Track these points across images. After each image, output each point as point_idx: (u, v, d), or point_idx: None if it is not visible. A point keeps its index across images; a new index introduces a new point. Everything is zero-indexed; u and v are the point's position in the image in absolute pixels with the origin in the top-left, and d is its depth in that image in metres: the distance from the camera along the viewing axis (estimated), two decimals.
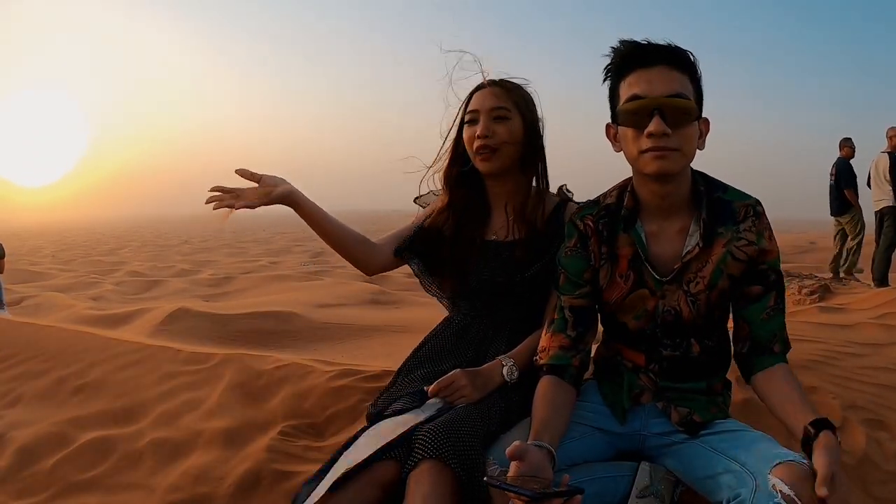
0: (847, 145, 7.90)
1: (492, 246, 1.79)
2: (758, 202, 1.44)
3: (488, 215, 1.83)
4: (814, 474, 1.13)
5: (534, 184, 1.82)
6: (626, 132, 1.37)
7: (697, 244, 1.40)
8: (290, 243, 26.00)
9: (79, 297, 9.87)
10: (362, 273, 1.91)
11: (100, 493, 1.86)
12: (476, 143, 1.72)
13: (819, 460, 1.13)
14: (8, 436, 2.21)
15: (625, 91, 1.36)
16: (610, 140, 1.45)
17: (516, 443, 1.16)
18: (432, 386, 1.50)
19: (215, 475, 1.83)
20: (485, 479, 1.15)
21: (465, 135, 1.77)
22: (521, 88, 1.79)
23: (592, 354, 1.69)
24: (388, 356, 1.81)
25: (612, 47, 1.39)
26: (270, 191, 1.64)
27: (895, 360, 2.68)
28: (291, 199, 1.66)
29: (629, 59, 1.36)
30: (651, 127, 1.30)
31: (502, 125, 1.72)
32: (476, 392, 1.50)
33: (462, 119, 1.80)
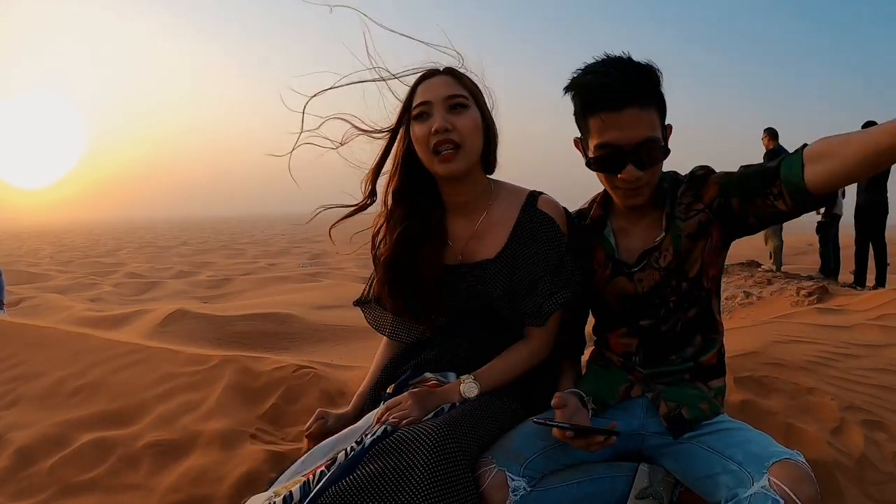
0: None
1: (458, 270, 1.58)
2: (699, 168, 1.49)
3: (444, 230, 1.59)
4: (811, 474, 1.15)
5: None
6: (599, 174, 1.45)
7: (662, 237, 1.48)
8: (288, 245, 25.99)
9: (77, 299, 9.86)
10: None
11: (98, 493, 1.85)
12: (434, 140, 1.45)
13: None
14: (7, 437, 2.20)
15: (595, 131, 1.38)
16: (579, 150, 1.50)
17: (557, 393, 1.37)
18: (380, 410, 1.41)
19: (214, 476, 1.83)
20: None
21: (415, 133, 1.50)
22: (468, 75, 1.55)
23: (586, 357, 1.72)
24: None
25: (575, 76, 1.39)
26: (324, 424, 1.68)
27: (893, 361, 2.69)
28: (346, 423, 1.67)
29: (597, 101, 1.35)
30: (625, 174, 1.37)
31: (463, 116, 1.48)
32: (420, 412, 1.36)
33: (405, 116, 1.54)
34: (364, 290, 1.76)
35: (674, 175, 1.53)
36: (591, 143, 1.40)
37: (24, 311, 8.26)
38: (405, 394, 1.42)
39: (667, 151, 1.41)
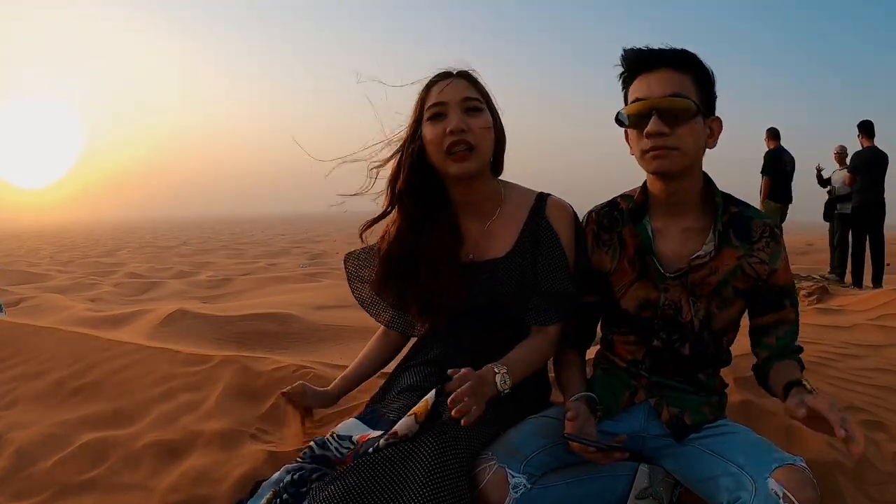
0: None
1: (469, 268, 1.60)
2: (777, 224, 1.49)
3: (458, 228, 1.62)
4: (809, 477, 1.16)
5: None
6: (631, 133, 1.43)
7: (709, 253, 1.43)
8: (288, 245, 25.98)
9: (77, 299, 9.84)
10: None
11: (98, 494, 1.85)
12: (449, 140, 1.48)
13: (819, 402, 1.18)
14: (6, 437, 2.20)
15: (630, 95, 1.42)
16: (627, 144, 1.50)
17: (569, 404, 1.42)
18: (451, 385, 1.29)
19: (214, 477, 1.82)
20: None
21: (428, 133, 1.52)
22: (480, 80, 1.59)
23: (591, 356, 1.72)
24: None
25: (621, 53, 1.43)
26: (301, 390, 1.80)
27: (893, 361, 2.69)
28: (324, 400, 1.80)
29: (635, 66, 1.41)
30: (649, 127, 1.35)
31: (477, 118, 1.51)
32: (477, 406, 1.27)
33: (419, 116, 1.56)
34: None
35: (730, 196, 1.50)
36: (626, 105, 1.43)
37: (24, 311, 8.25)
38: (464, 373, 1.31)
39: (698, 113, 1.37)
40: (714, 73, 1.42)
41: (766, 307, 1.48)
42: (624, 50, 1.44)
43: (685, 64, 1.39)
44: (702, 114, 1.38)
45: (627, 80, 1.45)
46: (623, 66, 1.44)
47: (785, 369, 1.44)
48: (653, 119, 1.35)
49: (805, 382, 1.32)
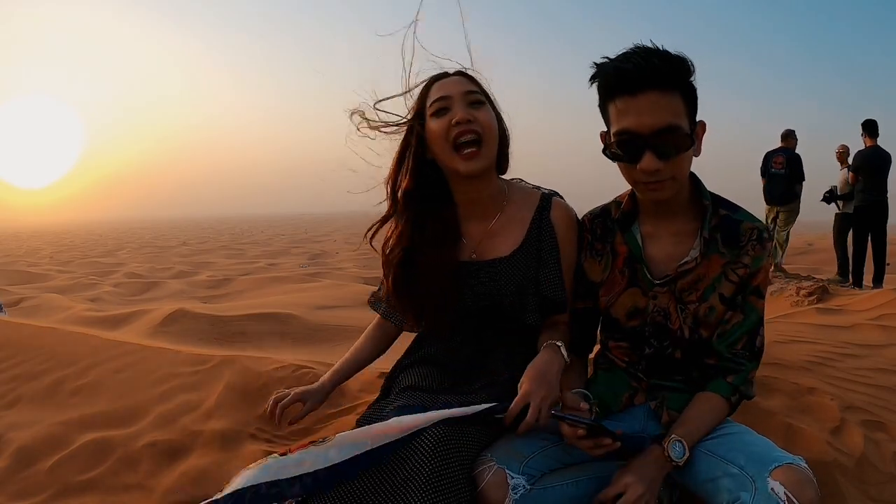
0: (793, 137, 7.99)
1: (470, 268, 1.58)
2: (766, 228, 1.45)
3: (458, 230, 1.60)
4: (809, 479, 1.16)
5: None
6: (620, 166, 1.37)
7: (695, 259, 1.41)
8: (288, 245, 25.98)
9: (77, 299, 9.84)
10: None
11: (98, 494, 1.85)
12: (455, 131, 1.45)
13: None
14: (6, 437, 2.20)
15: (614, 119, 1.32)
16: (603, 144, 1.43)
17: (568, 395, 1.39)
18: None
19: (214, 477, 1.83)
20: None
21: (433, 128, 1.49)
22: (479, 78, 1.58)
23: (592, 355, 1.71)
24: (386, 358, 1.81)
25: (596, 63, 1.32)
26: (301, 407, 1.69)
27: (893, 361, 2.69)
28: (320, 397, 1.71)
29: (614, 85, 1.29)
30: (643, 164, 1.29)
31: (482, 110, 1.49)
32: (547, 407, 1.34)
33: (419, 113, 1.54)
34: (379, 290, 1.76)
35: (720, 198, 1.45)
36: (611, 132, 1.33)
37: (24, 311, 8.24)
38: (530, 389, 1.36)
39: (692, 143, 1.31)
40: (693, 63, 1.28)
41: (735, 305, 1.44)
42: (598, 65, 1.32)
43: (673, 81, 1.27)
44: (693, 134, 1.32)
45: (605, 95, 1.33)
46: (600, 79, 1.33)
47: (694, 408, 1.40)
48: (646, 157, 1.27)
49: (669, 444, 1.32)
